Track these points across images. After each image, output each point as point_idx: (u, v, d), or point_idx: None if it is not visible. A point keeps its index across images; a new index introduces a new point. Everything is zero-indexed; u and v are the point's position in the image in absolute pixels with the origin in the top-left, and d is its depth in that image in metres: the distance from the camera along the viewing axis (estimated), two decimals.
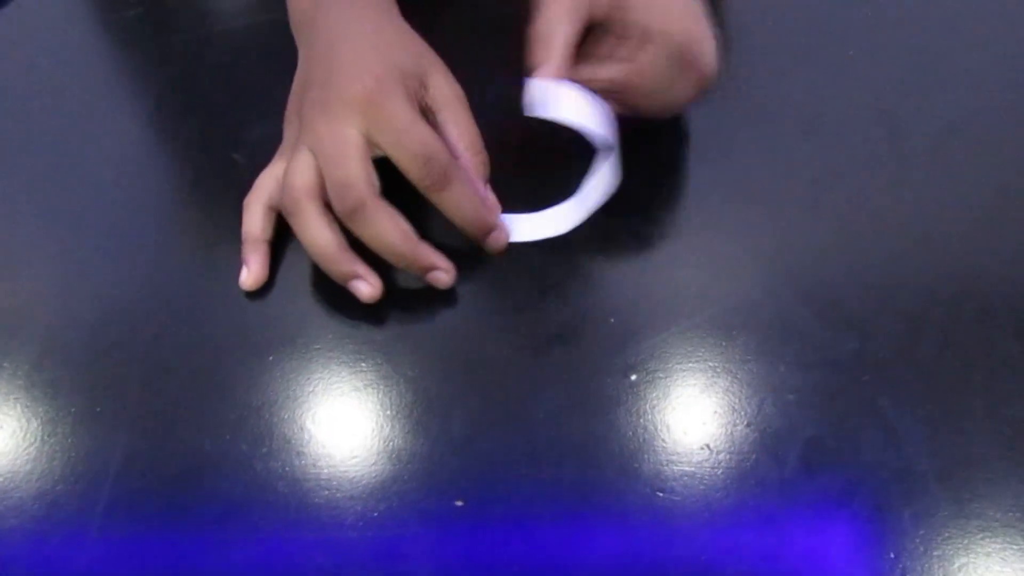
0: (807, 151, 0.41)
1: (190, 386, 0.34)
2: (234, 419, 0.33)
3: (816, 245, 0.37)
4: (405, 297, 0.36)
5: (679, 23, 0.35)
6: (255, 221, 0.37)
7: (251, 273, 0.36)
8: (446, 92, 0.36)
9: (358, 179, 0.33)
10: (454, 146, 0.35)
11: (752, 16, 0.46)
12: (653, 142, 0.40)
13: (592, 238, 0.37)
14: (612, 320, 0.35)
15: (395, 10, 0.39)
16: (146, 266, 0.38)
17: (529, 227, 0.36)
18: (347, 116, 0.34)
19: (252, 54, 0.46)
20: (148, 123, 0.44)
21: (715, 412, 0.33)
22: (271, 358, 0.35)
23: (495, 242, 0.36)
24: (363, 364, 0.34)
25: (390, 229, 0.33)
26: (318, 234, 0.34)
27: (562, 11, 0.34)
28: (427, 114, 0.35)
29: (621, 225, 0.38)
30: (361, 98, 0.33)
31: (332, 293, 0.36)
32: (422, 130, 0.33)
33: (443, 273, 0.35)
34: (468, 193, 0.34)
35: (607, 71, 0.35)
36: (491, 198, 0.36)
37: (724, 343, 0.34)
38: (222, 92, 0.44)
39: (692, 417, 0.33)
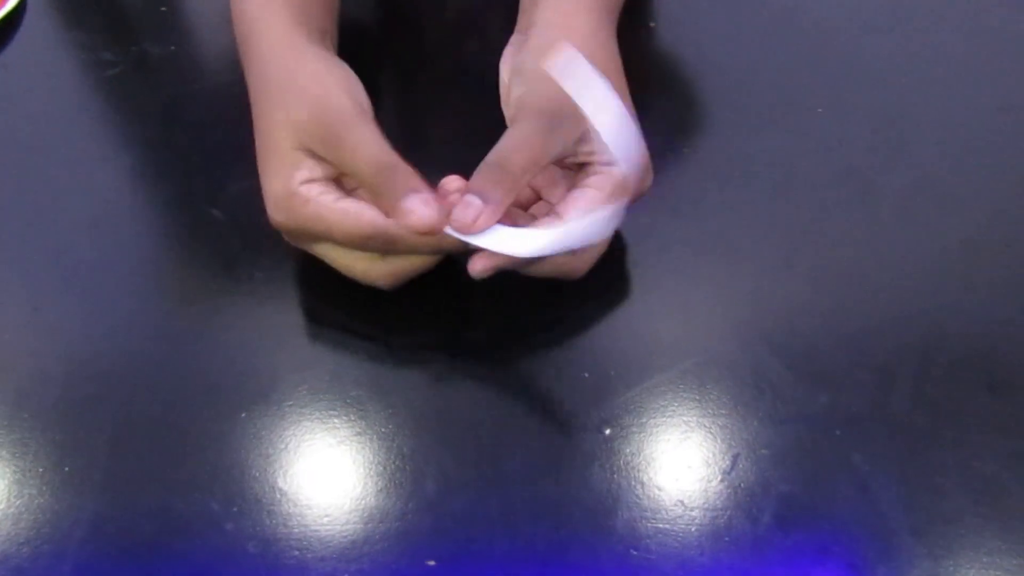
0: (779, 207, 0.42)
1: (161, 445, 0.35)
2: (205, 478, 0.34)
3: (789, 299, 0.39)
4: (379, 354, 0.37)
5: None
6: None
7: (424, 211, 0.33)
8: (321, 150, 0.35)
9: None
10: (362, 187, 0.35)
11: (722, 74, 0.48)
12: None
13: (566, 293, 0.39)
14: (586, 375, 0.36)
15: (316, 39, 0.39)
16: (120, 324, 0.39)
17: (496, 238, 0.34)
18: (286, 227, 0.36)
19: (231, 111, 0.47)
20: (126, 179, 0.45)
21: (689, 467, 0.34)
22: (243, 415, 0.35)
23: (476, 272, 0.35)
24: (336, 421, 0.35)
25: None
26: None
27: (535, 145, 0.34)
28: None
29: (594, 280, 0.39)
30: (276, 204, 0.35)
31: (306, 349, 0.37)
32: (343, 221, 0.34)
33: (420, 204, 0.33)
34: (414, 243, 0.34)
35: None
36: (408, 209, 0.33)
37: (698, 397, 0.36)
38: (201, 149, 0.46)
39: (666, 473, 0.34)
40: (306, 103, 0.36)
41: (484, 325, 0.38)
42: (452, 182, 0.35)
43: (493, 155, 0.35)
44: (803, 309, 0.38)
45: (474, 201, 0.34)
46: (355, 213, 0.34)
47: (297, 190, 0.35)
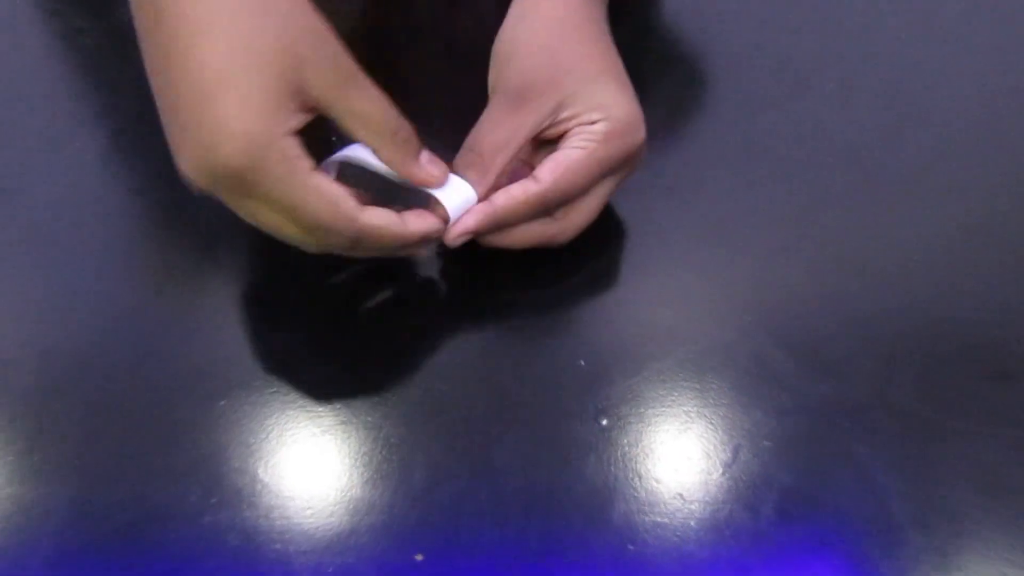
0: (781, 189, 0.42)
1: (137, 433, 0.34)
2: (183, 468, 0.33)
3: (791, 285, 0.38)
4: (365, 339, 0.36)
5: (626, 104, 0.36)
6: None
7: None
8: (326, 83, 0.31)
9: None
10: (367, 139, 0.32)
11: (723, 56, 0.47)
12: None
13: (561, 277, 0.38)
14: (582, 363, 0.36)
15: None
16: (94, 307, 0.38)
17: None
18: (226, 185, 0.30)
19: None
20: (100, 156, 0.44)
21: (689, 459, 0.33)
22: (223, 403, 0.34)
23: (451, 240, 0.34)
24: (320, 409, 0.34)
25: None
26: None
27: (504, 124, 0.35)
28: (320, 112, 0.31)
29: (591, 265, 0.39)
30: (239, 147, 0.29)
31: (288, 333, 0.37)
32: (315, 202, 0.31)
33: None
34: (384, 236, 0.33)
35: (524, 187, 0.34)
36: (428, 171, 0.34)
37: (698, 387, 0.35)
38: None
39: (665, 464, 0.33)
40: (307, 31, 0.30)
41: (476, 311, 0.38)
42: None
43: (468, 138, 0.35)
44: (805, 296, 0.38)
45: (439, 227, 0.34)
46: (332, 199, 0.31)
47: (279, 140, 0.30)
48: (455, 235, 0.35)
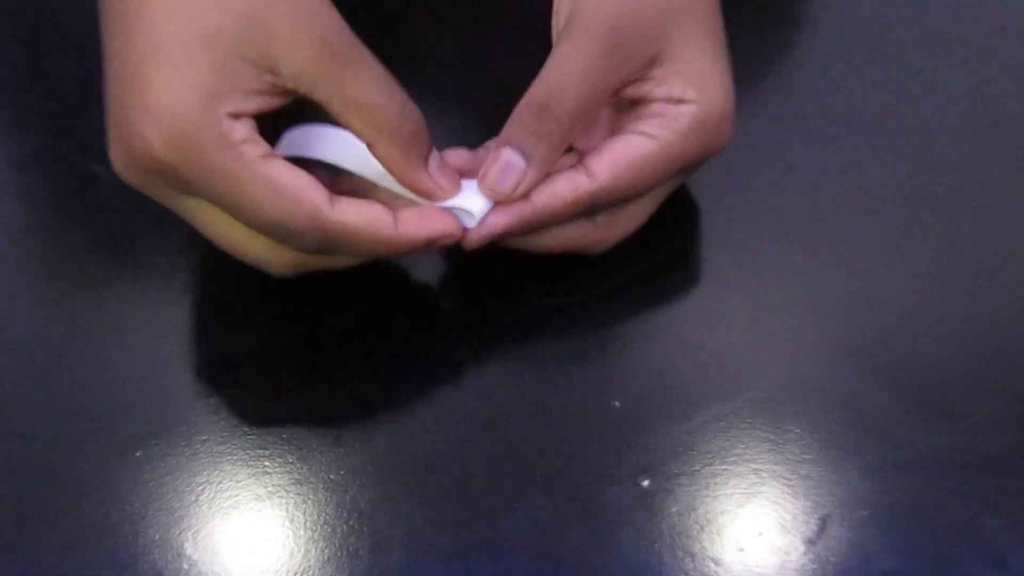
0: (889, 176, 0.43)
1: (18, 492, 0.35)
2: (84, 540, 0.34)
3: (898, 304, 0.39)
4: (330, 367, 0.38)
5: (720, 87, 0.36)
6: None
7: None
8: (305, 59, 0.32)
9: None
10: (360, 133, 0.34)
11: (825, 24, 0.48)
12: None
13: (592, 290, 0.39)
14: (617, 403, 0.37)
15: None
16: None
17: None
18: (151, 183, 0.33)
19: None
20: None
21: (760, 534, 0.34)
22: (138, 454, 0.35)
23: (471, 243, 0.35)
24: (267, 463, 0.35)
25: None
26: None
27: (593, 74, 0.34)
28: (300, 94, 0.33)
29: (631, 274, 0.40)
30: (166, 133, 0.31)
31: (227, 363, 0.38)
32: (269, 194, 0.32)
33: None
34: (363, 242, 0.33)
35: (572, 181, 0.35)
36: (436, 181, 0.35)
37: (772, 436, 0.36)
38: (77, 79, 0.46)
39: (726, 541, 0.34)
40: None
41: (477, 333, 0.39)
42: (455, 156, 0.36)
43: (535, 92, 0.35)
44: (918, 319, 0.39)
45: (514, 161, 0.34)
46: (291, 189, 0.32)
47: (216, 124, 0.31)
48: (477, 238, 0.35)
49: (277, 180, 0.32)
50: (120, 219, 0.41)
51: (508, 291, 0.39)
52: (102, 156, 0.42)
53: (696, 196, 0.41)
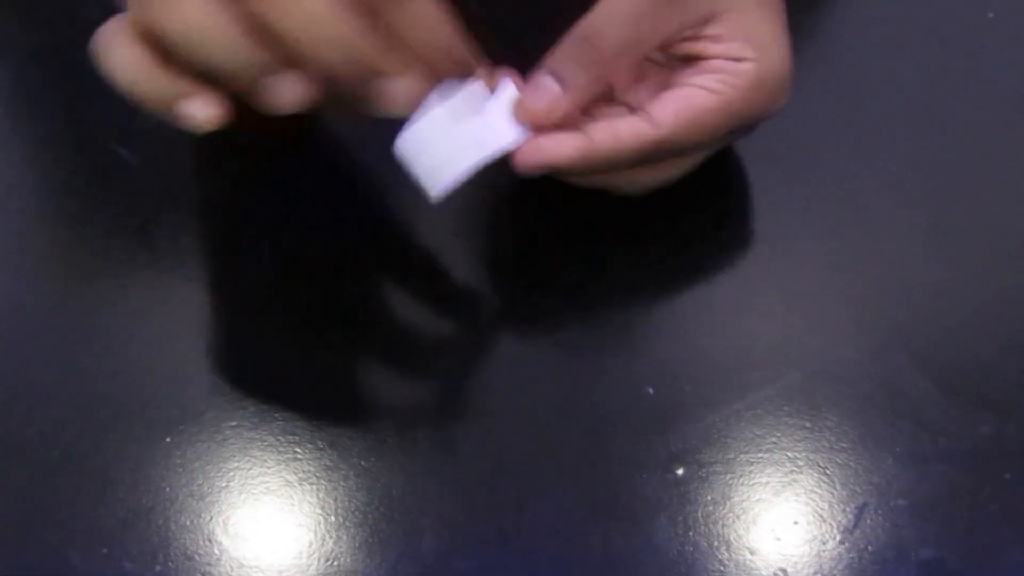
0: (931, 153, 0.42)
1: (53, 478, 0.35)
2: (114, 525, 0.34)
3: (939, 286, 0.39)
4: (358, 355, 0.38)
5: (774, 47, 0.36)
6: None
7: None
8: None
9: None
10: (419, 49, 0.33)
11: (861, 8, 0.48)
12: None
13: (624, 273, 0.39)
14: (650, 391, 0.37)
15: None
16: None
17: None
18: None
19: None
20: (2, 106, 0.46)
21: (795, 523, 0.34)
22: (168, 440, 0.36)
23: (527, 163, 0.35)
24: (297, 450, 0.36)
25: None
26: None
27: (642, 17, 0.35)
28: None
29: (664, 256, 0.40)
30: None
31: (255, 348, 0.38)
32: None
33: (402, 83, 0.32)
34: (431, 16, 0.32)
35: (635, 127, 0.35)
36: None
37: (808, 424, 0.36)
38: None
39: (762, 530, 0.34)
40: None
41: (507, 319, 0.39)
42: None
43: (581, 26, 0.36)
44: (959, 303, 0.39)
45: (549, 84, 0.35)
46: None
47: None
48: (534, 162, 0.35)
49: None
50: (145, 203, 0.41)
51: (540, 277, 0.39)
52: (125, 138, 0.43)
53: (732, 182, 0.41)
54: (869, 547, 0.34)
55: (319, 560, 0.34)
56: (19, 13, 0.48)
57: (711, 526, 0.34)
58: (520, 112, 0.35)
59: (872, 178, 0.42)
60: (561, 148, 0.35)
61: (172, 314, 0.39)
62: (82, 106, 0.45)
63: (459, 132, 0.34)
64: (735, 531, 0.34)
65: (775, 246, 0.40)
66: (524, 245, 0.39)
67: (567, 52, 0.35)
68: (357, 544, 0.34)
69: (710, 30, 0.36)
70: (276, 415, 0.36)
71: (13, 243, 0.41)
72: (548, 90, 0.35)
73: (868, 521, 0.34)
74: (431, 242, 0.40)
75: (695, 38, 0.36)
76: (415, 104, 0.33)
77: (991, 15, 0.46)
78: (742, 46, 0.36)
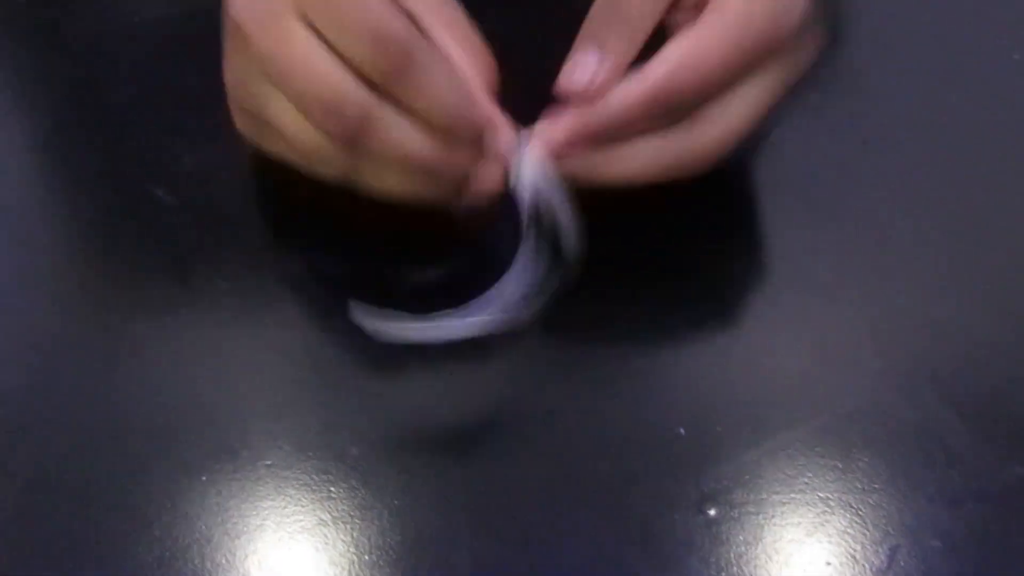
0: (966, 186, 0.43)
1: (88, 513, 0.36)
2: (151, 562, 0.35)
3: (971, 327, 0.39)
4: (391, 396, 0.38)
5: None
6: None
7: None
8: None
9: (343, 80, 0.34)
10: (440, 46, 0.36)
11: (888, 21, 0.48)
12: (732, 168, 0.42)
13: (655, 309, 0.40)
14: (682, 431, 0.37)
15: None
16: (32, 347, 0.40)
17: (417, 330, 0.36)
18: (240, 69, 0.36)
19: (180, 54, 0.49)
20: (39, 146, 0.47)
21: (828, 564, 0.34)
22: (204, 478, 0.36)
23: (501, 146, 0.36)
24: (332, 489, 0.36)
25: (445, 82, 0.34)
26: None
27: None
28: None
29: (696, 293, 0.40)
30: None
31: (290, 387, 0.39)
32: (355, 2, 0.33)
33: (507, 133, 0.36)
34: (442, 74, 0.34)
35: (630, 84, 0.35)
36: (495, 114, 0.36)
37: (840, 465, 0.36)
38: (141, 105, 0.47)
39: (794, 571, 0.34)
40: None
41: (538, 357, 0.39)
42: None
43: None
44: (991, 342, 0.39)
45: (588, 58, 0.35)
46: (381, 4, 0.33)
47: None
48: (547, 148, 0.35)
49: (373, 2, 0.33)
50: (182, 242, 0.42)
51: (571, 313, 0.39)
52: (163, 179, 0.44)
53: (760, 223, 0.42)
54: None
55: None
56: (58, 52, 0.49)
57: (743, 567, 0.34)
58: (565, 89, 0.35)
59: (900, 217, 0.42)
60: (558, 126, 0.35)
61: (208, 354, 0.40)
62: (119, 147, 0.46)
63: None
64: (768, 572, 0.34)
65: (804, 286, 0.40)
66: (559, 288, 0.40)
67: (599, 16, 0.35)
68: None
69: None
70: (310, 454, 0.37)
71: (50, 282, 0.42)
72: (587, 63, 0.35)
73: (901, 563, 0.34)
74: (460, 275, 0.41)
75: None
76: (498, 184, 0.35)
77: (1016, 57, 0.47)
78: None
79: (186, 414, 0.38)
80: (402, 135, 0.35)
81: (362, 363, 0.39)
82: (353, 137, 0.35)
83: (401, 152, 0.35)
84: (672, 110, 0.35)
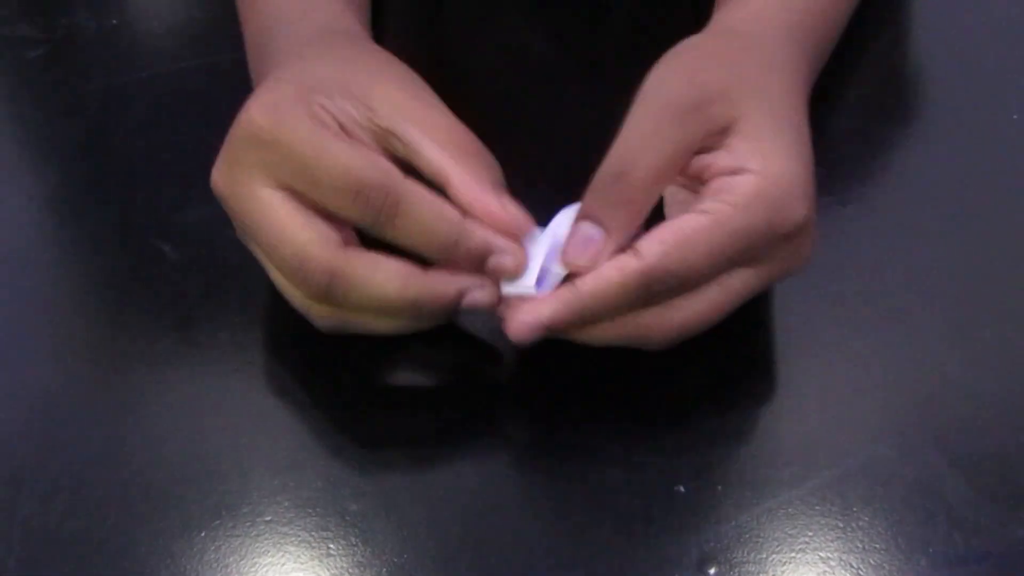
0: (963, 249, 0.43)
1: (88, 570, 0.36)
2: None
3: (972, 385, 0.39)
4: (391, 453, 0.38)
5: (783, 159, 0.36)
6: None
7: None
8: (396, 100, 0.38)
9: (307, 243, 0.36)
10: (432, 166, 0.37)
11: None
12: None
13: (656, 374, 0.40)
14: (681, 489, 0.37)
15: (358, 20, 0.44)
16: (34, 400, 0.40)
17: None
18: (243, 158, 0.37)
19: (187, 109, 0.50)
20: (47, 199, 0.47)
21: None
22: (203, 534, 0.36)
23: (518, 333, 0.35)
24: (331, 546, 0.36)
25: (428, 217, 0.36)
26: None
27: (666, 138, 0.35)
28: (387, 142, 0.37)
29: (695, 350, 0.40)
30: (249, 134, 0.36)
31: (290, 442, 0.39)
32: (337, 153, 0.35)
33: (507, 258, 0.36)
34: (429, 211, 0.35)
35: (619, 262, 0.35)
36: (506, 209, 0.36)
37: (840, 524, 0.36)
38: (147, 158, 0.48)
39: None
40: (382, 61, 0.40)
41: (536, 412, 0.40)
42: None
43: (610, 161, 0.36)
44: (992, 401, 0.39)
45: (590, 231, 0.35)
46: (361, 154, 0.35)
47: (307, 102, 0.36)
48: (524, 328, 0.35)
49: (345, 147, 0.36)
50: (185, 298, 0.43)
51: (570, 371, 0.40)
52: (169, 234, 0.45)
53: None
54: None
55: None
56: (66, 106, 0.50)
57: None
58: (567, 265, 0.36)
59: (900, 274, 0.42)
60: (546, 306, 0.35)
61: (210, 408, 0.40)
62: (125, 201, 0.46)
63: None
64: None
65: (804, 343, 0.41)
66: (557, 347, 0.40)
67: (601, 194, 0.36)
68: None
69: (728, 141, 0.36)
70: (310, 510, 0.37)
71: (54, 335, 0.43)
72: (592, 239, 0.35)
73: None
74: (461, 350, 0.41)
75: (713, 148, 0.36)
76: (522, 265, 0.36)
77: (1015, 116, 0.47)
78: (748, 157, 0.35)
79: (187, 469, 0.38)
80: (372, 289, 0.36)
81: (363, 420, 0.39)
82: (325, 295, 0.36)
83: (375, 303, 0.36)
84: (653, 295, 0.35)
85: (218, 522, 0.37)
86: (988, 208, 0.45)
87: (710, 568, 0.35)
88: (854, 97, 0.50)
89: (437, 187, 0.37)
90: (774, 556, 0.35)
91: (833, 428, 0.38)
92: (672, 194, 0.39)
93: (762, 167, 0.35)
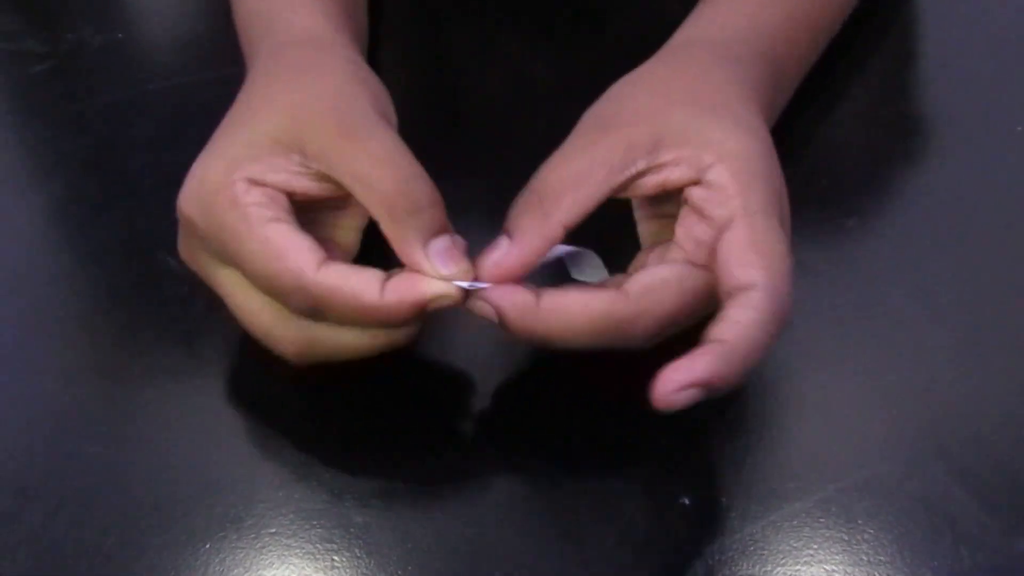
0: (969, 264, 0.44)
1: None
2: None
3: (978, 399, 0.40)
4: (395, 466, 0.39)
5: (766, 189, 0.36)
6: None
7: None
8: (325, 138, 0.36)
9: (270, 328, 0.37)
10: (370, 208, 0.36)
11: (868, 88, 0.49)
12: None
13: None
14: (685, 501, 0.37)
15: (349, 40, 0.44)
16: (39, 415, 0.41)
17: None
18: (189, 241, 0.39)
19: (195, 122, 0.50)
20: (52, 213, 0.48)
21: None
22: (207, 546, 0.37)
23: (478, 308, 0.36)
24: (336, 558, 0.36)
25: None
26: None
27: (576, 159, 0.37)
28: (328, 179, 0.37)
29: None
30: (185, 220, 0.38)
31: (295, 456, 0.39)
32: (253, 253, 0.35)
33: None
34: (343, 303, 0.35)
35: (592, 298, 0.35)
36: (431, 261, 0.36)
37: (846, 537, 0.36)
38: (154, 172, 0.48)
39: None
40: (325, 89, 0.38)
41: (541, 426, 0.40)
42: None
43: (533, 177, 0.37)
44: (998, 415, 0.39)
45: (501, 240, 0.37)
46: (281, 248, 0.35)
47: (231, 185, 0.36)
48: (479, 309, 0.36)
49: (271, 239, 0.36)
50: (191, 313, 0.43)
51: (574, 383, 0.40)
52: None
53: None
54: None
55: None
56: (71, 121, 0.51)
57: None
58: (479, 268, 0.36)
59: (906, 288, 0.43)
60: (503, 296, 0.36)
61: (214, 423, 0.40)
62: (132, 216, 0.47)
63: None
64: None
65: (809, 357, 0.41)
66: (559, 363, 0.40)
67: (517, 206, 0.37)
68: None
69: (667, 156, 0.37)
70: (315, 522, 0.37)
71: (60, 349, 0.43)
72: (498, 244, 0.36)
73: None
74: (463, 368, 0.41)
75: (656, 169, 0.37)
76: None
77: (1020, 128, 0.48)
78: (700, 154, 0.36)
79: (190, 482, 0.38)
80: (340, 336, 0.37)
81: (367, 432, 0.40)
82: (303, 355, 0.38)
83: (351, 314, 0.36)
84: (633, 339, 0.36)
85: (223, 534, 0.37)
86: (993, 221, 0.45)
87: None
88: (857, 110, 0.50)
89: None
90: (779, 569, 0.36)
91: (838, 442, 0.39)
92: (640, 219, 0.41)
93: (720, 154, 0.36)
